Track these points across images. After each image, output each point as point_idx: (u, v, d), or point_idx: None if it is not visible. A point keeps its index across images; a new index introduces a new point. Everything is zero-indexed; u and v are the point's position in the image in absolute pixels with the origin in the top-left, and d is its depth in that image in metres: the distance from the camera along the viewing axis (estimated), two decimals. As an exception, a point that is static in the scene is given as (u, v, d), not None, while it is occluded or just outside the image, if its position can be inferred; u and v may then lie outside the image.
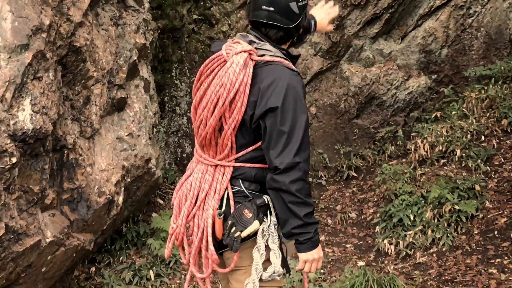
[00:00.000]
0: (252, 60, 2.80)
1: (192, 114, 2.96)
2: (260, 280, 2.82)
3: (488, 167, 6.80)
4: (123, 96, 5.90)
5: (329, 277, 5.96)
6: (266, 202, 2.84)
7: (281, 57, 2.86)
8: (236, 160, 2.88)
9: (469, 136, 7.36)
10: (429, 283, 5.41)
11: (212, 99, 2.79)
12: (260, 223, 2.80)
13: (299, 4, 2.87)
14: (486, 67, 8.44)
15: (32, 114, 4.31)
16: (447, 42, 8.70)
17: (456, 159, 7.09)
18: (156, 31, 7.24)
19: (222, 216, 2.83)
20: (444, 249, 5.91)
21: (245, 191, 2.88)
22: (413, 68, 8.72)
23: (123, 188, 5.68)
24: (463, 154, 7.09)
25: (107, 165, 5.46)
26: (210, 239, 2.85)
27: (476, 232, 5.99)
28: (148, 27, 6.83)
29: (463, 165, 7.00)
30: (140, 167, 5.99)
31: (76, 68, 5.17)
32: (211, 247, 2.86)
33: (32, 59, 4.34)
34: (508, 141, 7.21)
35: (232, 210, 2.84)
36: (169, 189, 7.94)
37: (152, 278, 6.08)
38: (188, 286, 3.15)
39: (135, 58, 6.13)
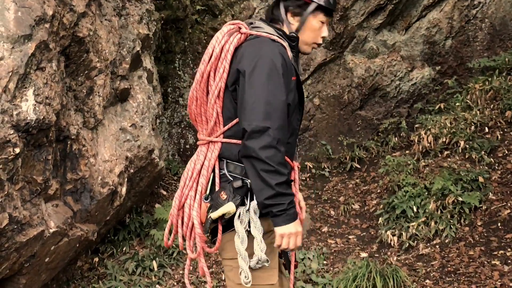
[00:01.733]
0: (241, 33, 2.85)
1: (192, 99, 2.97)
2: (250, 268, 2.74)
3: (491, 159, 6.79)
4: (126, 87, 5.89)
5: (331, 268, 5.97)
6: (243, 184, 2.76)
7: (270, 34, 2.86)
8: (224, 135, 2.85)
9: (472, 127, 7.34)
10: (432, 275, 5.41)
11: (200, 69, 2.84)
12: (236, 207, 2.72)
13: None
14: (490, 59, 8.41)
15: (35, 105, 4.31)
16: (451, 33, 8.67)
17: (460, 151, 7.08)
18: (159, 21, 7.23)
19: (208, 199, 2.80)
20: (447, 241, 5.91)
21: (227, 174, 2.84)
22: (417, 60, 8.69)
23: (126, 179, 5.68)
24: (467, 146, 7.08)
25: (110, 156, 5.46)
26: (195, 214, 2.82)
27: (479, 224, 5.98)
28: (151, 18, 6.82)
29: (466, 156, 6.98)
30: (143, 158, 6.00)
31: (79, 59, 5.16)
32: (195, 221, 2.81)
33: (35, 49, 4.33)
34: (511, 133, 7.20)
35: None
36: (172, 180, 7.95)
37: (155, 269, 6.09)
38: (189, 271, 3.09)
39: (138, 48, 6.12)
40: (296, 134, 2.99)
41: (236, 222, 2.74)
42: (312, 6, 2.92)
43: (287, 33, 2.95)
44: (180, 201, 2.94)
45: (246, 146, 2.65)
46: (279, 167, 2.64)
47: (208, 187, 2.85)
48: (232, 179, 2.80)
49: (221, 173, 2.85)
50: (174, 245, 6.46)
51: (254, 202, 2.74)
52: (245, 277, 2.73)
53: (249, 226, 2.75)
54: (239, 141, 2.77)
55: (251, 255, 2.73)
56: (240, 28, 2.88)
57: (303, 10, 2.93)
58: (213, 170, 2.87)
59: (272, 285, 2.85)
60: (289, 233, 2.70)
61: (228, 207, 2.70)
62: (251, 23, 2.94)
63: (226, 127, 2.84)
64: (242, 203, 2.75)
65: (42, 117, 4.35)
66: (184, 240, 2.99)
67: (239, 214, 2.73)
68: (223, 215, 2.73)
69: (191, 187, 2.89)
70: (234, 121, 2.81)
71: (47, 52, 4.50)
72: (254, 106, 2.66)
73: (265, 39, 2.83)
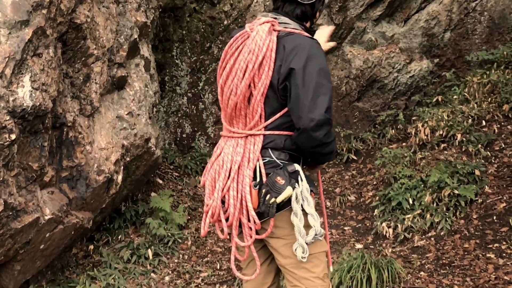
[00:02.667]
0: (275, 30, 3.00)
1: (220, 93, 3.09)
2: (306, 243, 2.95)
3: (488, 152, 6.78)
4: (123, 74, 5.87)
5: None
6: (297, 169, 2.96)
7: (299, 30, 3.06)
8: (266, 128, 3.01)
9: (470, 120, 7.34)
10: (426, 267, 5.41)
11: (241, 67, 2.95)
12: (293, 189, 2.90)
13: None
14: (488, 52, 8.40)
15: (31, 91, 4.29)
16: (450, 26, 8.65)
17: (457, 144, 7.08)
18: (157, 9, 7.20)
19: (258, 186, 2.94)
20: (442, 233, 5.91)
21: (276, 160, 3.00)
22: (415, 52, 8.67)
23: (122, 167, 5.67)
24: (464, 139, 7.07)
25: (107, 144, 5.44)
26: (250, 205, 2.95)
27: (474, 216, 5.99)
28: (149, 6, 6.79)
29: (463, 149, 6.98)
30: (140, 146, 5.98)
31: (76, 46, 5.13)
32: (253, 212, 2.95)
33: (32, 35, 4.31)
34: (509, 126, 7.19)
35: (264, 180, 2.95)
36: (168, 169, 7.94)
37: (151, 257, 6.10)
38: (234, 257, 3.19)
39: (135, 36, 6.09)
40: None
41: (294, 203, 2.91)
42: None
43: (308, 27, 3.17)
44: (223, 193, 3.05)
45: (313, 137, 2.87)
46: (335, 147, 3.02)
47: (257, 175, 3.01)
48: (282, 165, 2.98)
49: (265, 160, 3.00)
50: (170, 234, 6.47)
51: (306, 183, 2.96)
52: (303, 252, 2.95)
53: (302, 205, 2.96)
54: (282, 132, 3.00)
55: (306, 232, 2.95)
56: (273, 25, 3.01)
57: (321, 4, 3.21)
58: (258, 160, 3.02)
59: (325, 251, 3.13)
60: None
61: (289, 191, 2.88)
62: (274, 17, 3.08)
63: (269, 121, 2.99)
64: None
65: (38, 103, 4.34)
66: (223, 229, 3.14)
67: (296, 195, 2.92)
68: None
69: (233, 178, 3.01)
70: (278, 115, 2.99)
71: (44, 38, 4.48)
72: (315, 100, 2.83)
73: (300, 36, 3.00)
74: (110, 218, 6.48)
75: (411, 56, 8.65)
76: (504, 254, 5.31)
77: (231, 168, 3.03)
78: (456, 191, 6.15)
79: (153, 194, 6.97)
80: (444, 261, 5.45)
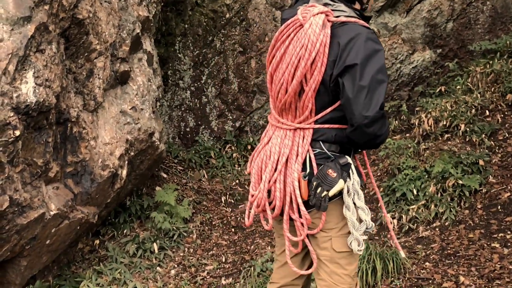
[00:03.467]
0: (329, 21, 2.87)
1: (269, 81, 3.05)
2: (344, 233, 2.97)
3: (492, 142, 6.78)
4: (126, 69, 5.87)
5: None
6: (349, 161, 2.93)
7: (355, 17, 2.94)
8: (316, 122, 2.95)
9: (473, 110, 7.33)
10: (431, 257, 5.43)
11: (293, 62, 2.85)
12: (345, 182, 2.87)
13: None
14: (491, 42, 8.37)
15: (35, 87, 4.29)
16: (453, 15, 8.62)
17: (460, 134, 7.07)
18: (159, 3, 7.19)
19: (307, 178, 2.90)
20: (447, 224, 5.92)
21: (327, 152, 2.95)
22: (418, 42, 8.66)
23: (126, 162, 5.68)
24: (467, 129, 7.07)
25: (111, 139, 5.45)
26: (300, 200, 2.92)
27: (479, 206, 5.99)
28: (151, 0, 6.78)
29: (467, 139, 6.98)
30: (144, 140, 5.99)
31: (79, 41, 5.14)
32: (303, 208, 2.93)
33: (35, 31, 4.31)
34: (512, 116, 7.19)
35: (315, 172, 2.91)
36: (172, 163, 7.96)
37: (156, 251, 6.12)
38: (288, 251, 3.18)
39: (138, 31, 6.09)
40: None
41: (346, 197, 2.89)
42: None
43: (362, 12, 3.06)
44: (269, 185, 3.03)
45: (367, 133, 2.81)
46: (388, 133, 2.93)
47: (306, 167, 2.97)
48: (333, 157, 2.93)
49: (316, 151, 2.96)
50: (175, 228, 6.49)
51: (356, 176, 2.94)
52: (358, 245, 2.93)
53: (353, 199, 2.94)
54: (333, 126, 2.93)
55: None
56: (328, 15, 2.87)
57: None
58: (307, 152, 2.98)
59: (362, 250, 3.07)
60: None
61: (341, 184, 2.85)
62: (326, 4, 2.96)
63: (319, 115, 2.93)
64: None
65: (42, 99, 4.34)
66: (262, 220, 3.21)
67: (348, 188, 2.89)
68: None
69: (280, 171, 2.99)
70: (329, 109, 2.91)
71: (47, 34, 4.48)
72: (370, 97, 2.75)
73: (356, 25, 2.88)
74: (115, 212, 6.50)
75: (413, 47, 8.63)
76: (509, 244, 5.32)
77: (278, 160, 2.99)
78: (460, 181, 6.16)
79: (157, 188, 6.98)
80: (449, 251, 5.46)
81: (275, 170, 3.01)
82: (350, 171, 2.92)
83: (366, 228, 2.93)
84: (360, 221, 2.95)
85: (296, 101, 2.94)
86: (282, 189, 2.98)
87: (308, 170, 2.93)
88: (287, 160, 2.97)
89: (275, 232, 3.34)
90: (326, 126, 2.94)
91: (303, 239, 3.04)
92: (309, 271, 3.21)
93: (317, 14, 2.83)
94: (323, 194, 2.82)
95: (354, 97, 2.76)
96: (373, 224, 2.96)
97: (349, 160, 2.93)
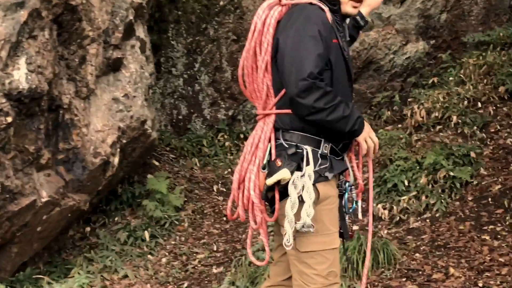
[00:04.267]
0: (282, 5, 2.93)
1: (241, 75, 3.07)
2: (297, 231, 2.81)
3: (484, 134, 6.80)
4: (119, 56, 5.84)
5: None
6: (298, 151, 2.84)
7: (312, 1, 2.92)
8: (276, 106, 2.90)
9: (465, 102, 7.35)
10: (421, 248, 5.45)
11: (245, 46, 2.95)
12: (291, 173, 2.77)
13: None
14: (485, 33, 8.39)
15: (27, 73, 4.27)
16: (447, 7, 8.62)
17: (452, 126, 7.09)
18: (152, -10, 7.15)
19: (266, 169, 2.84)
20: (437, 215, 5.94)
21: (283, 143, 2.88)
22: (411, 33, 8.65)
23: (118, 149, 5.66)
24: (459, 121, 7.09)
25: (103, 126, 5.44)
26: (251, 185, 2.87)
27: (470, 198, 6.02)
28: (145, -14, 6.73)
29: (459, 131, 7.00)
30: (136, 128, 5.97)
31: (71, 27, 5.10)
32: (251, 192, 2.87)
33: (28, 17, 4.28)
34: (504, 108, 7.21)
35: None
36: (164, 151, 7.94)
37: (147, 239, 6.11)
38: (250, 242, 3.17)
39: (131, 17, 6.05)
40: (346, 97, 2.98)
41: (290, 187, 2.78)
42: None
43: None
44: (240, 175, 2.97)
45: (302, 104, 2.74)
46: (334, 101, 2.77)
47: (266, 158, 2.90)
48: (287, 147, 2.86)
49: (277, 142, 2.90)
50: (166, 216, 6.49)
51: (310, 168, 2.82)
52: (287, 240, 2.79)
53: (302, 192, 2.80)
54: (289, 110, 2.85)
55: (298, 219, 2.78)
56: (280, 0, 2.93)
57: None
58: (269, 141, 2.92)
59: (335, 248, 2.94)
60: (367, 134, 2.99)
61: (283, 173, 2.76)
62: None
63: (277, 98, 2.89)
64: (298, 169, 2.80)
65: (34, 86, 4.32)
66: (245, 212, 3.04)
67: (293, 179, 2.77)
68: (279, 181, 2.79)
69: (249, 160, 2.94)
70: (282, 92, 2.86)
71: (40, 20, 4.45)
72: (296, 65, 2.73)
73: (304, 5, 2.89)
74: (107, 200, 6.48)
75: (407, 38, 8.63)
76: (499, 236, 5.35)
77: (250, 150, 2.95)
78: (451, 173, 6.17)
79: (149, 176, 6.96)
80: (439, 242, 5.48)
81: (245, 160, 2.97)
82: (303, 162, 2.82)
83: (303, 225, 2.76)
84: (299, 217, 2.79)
85: (258, 86, 2.95)
86: (250, 178, 2.91)
87: (265, 162, 2.89)
88: (256, 148, 2.92)
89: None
90: (285, 110, 2.87)
91: (259, 227, 2.97)
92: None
93: None
94: (267, 182, 2.80)
95: (282, 67, 2.80)
96: (311, 223, 2.76)
97: (304, 150, 2.84)
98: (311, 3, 2.88)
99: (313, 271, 2.90)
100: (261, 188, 2.86)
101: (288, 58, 2.77)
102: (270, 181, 2.78)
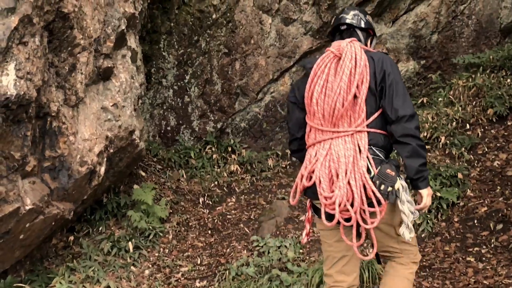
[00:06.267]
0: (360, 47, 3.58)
1: (315, 104, 3.50)
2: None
3: (471, 156, 6.83)
4: (109, 65, 5.81)
5: (307, 257, 5.98)
6: (398, 164, 3.45)
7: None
8: (368, 126, 3.44)
9: (454, 123, 7.38)
10: (406, 268, 5.42)
11: (345, 78, 3.42)
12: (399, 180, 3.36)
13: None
14: (475, 55, 8.44)
15: (16, 80, 4.22)
16: (438, 28, 8.68)
17: (440, 146, 7.11)
18: (145, 0, 7.14)
19: (373, 177, 3.34)
20: (423, 235, 5.94)
21: (381, 156, 3.44)
22: (402, 52, 8.70)
23: (105, 159, 5.62)
24: (448, 142, 7.11)
25: (91, 135, 5.39)
26: (375, 188, 3.30)
27: (456, 220, 6.02)
28: (138, -3, 6.72)
29: (447, 152, 7.02)
30: (124, 138, 5.94)
31: (62, 35, 5.07)
32: (378, 194, 3.29)
33: (19, 23, 4.24)
34: (492, 131, 7.24)
35: (375, 172, 3.35)
36: (151, 162, 7.90)
37: (131, 250, 6.06)
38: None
39: (123, 27, 6.03)
40: None
41: (402, 192, 3.36)
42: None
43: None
44: (346, 184, 3.36)
45: (406, 127, 3.33)
46: (423, 143, 3.40)
47: (368, 166, 3.40)
48: (386, 160, 3.45)
49: (372, 155, 3.44)
50: (151, 227, 6.44)
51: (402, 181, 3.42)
52: (409, 233, 3.41)
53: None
54: (380, 131, 3.45)
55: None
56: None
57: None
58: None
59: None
60: (431, 192, 3.49)
61: (400, 182, 3.34)
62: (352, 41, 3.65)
63: (369, 120, 3.44)
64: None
65: (22, 92, 4.28)
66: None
67: (402, 185, 3.36)
68: (383, 186, 3.32)
69: (351, 170, 3.36)
70: (376, 115, 3.45)
71: (31, 26, 4.42)
72: (405, 98, 3.37)
73: (377, 52, 3.63)
74: (91, 209, 6.43)
75: (398, 57, 8.67)
76: (484, 258, 5.34)
77: (347, 162, 3.37)
78: (438, 194, 6.18)
79: (135, 186, 6.92)
80: (424, 263, 5.47)
81: (346, 171, 3.38)
82: (398, 173, 3.39)
83: (413, 218, 3.36)
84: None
85: (351, 109, 3.43)
86: (356, 185, 3.32)
87: (372, 173, 3.35)
88: (353, 159, 3.36)
89: (328, 240, 3.79)
90: (376, 131, 3.43)
91: (373, 226, 3.38)
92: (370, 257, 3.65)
93: (350, 42, 3.55)
94: (388, 189, 3.28)
95: (394, 95, 3.37)
96: (418, 213, 3.39)
97: (397, 163, 3.44)
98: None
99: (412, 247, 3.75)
100: (370, 194, 3.31)
101: (400, 88, 3.40)
102: (397, 186, 3.31)
